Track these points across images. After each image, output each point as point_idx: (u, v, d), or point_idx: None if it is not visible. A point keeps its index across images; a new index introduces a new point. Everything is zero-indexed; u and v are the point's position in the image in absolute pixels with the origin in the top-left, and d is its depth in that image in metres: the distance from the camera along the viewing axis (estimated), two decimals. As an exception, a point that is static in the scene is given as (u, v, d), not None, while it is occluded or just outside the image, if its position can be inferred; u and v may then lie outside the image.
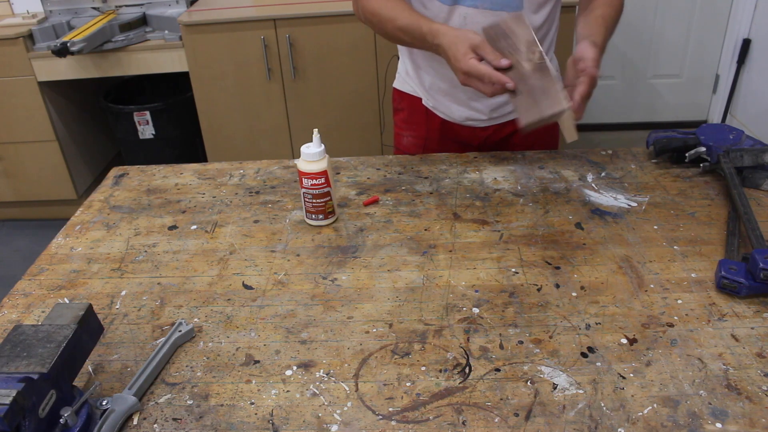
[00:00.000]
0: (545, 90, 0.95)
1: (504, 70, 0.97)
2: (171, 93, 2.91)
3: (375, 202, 1.16)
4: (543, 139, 1.38)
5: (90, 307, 0.77)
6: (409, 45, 1.20)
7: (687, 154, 1.18)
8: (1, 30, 2.56)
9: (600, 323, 0.85)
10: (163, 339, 0.84)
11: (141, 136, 2.79)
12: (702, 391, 0.74)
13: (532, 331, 0.84)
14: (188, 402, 0.77)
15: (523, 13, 1.10)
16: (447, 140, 1.37)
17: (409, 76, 1.36)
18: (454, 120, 1.33)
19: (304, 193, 1.07)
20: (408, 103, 1.38)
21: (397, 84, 1.41)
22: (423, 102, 1.35)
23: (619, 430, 0.70)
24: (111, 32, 2.58)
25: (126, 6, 2.78)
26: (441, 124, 1.35)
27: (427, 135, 1.38)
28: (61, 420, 0.68)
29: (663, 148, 1.21)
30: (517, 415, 0.72)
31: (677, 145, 1.20)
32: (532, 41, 0.97)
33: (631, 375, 0.77)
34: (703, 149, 1.16)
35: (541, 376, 0.77)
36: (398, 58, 1.40)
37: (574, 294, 0.90)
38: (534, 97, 0.96)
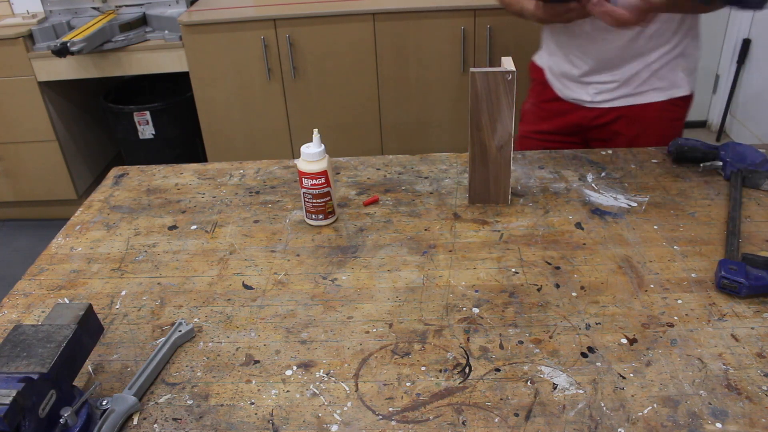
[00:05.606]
0: (497, 178, 1.11)
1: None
2: (171, 93, 2.91)
3: (375, 202, 1.16)
4: (653, 130, 1.37)
5: (90, 307, 0.77)
6: None
7: (701, 165, 1.19)
8: (1, 30, 2.56)
9: (600, 323, 0.85)
10: (163, 339, 0.84)
11: (141, 136, 2.79)
12: (702, 391, 0.74)
13: (532, 331, 0.84)
14: (188, 402, 0.77)
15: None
16: (554, 116, 1.46)
17: (541, 48, 1.48)
18: (564, 97, 1.42)
19: (304, 193, 1.07)
20: (536, 74, 1.50)
21: (535, 56, 1.54)
22: (545, 75, 1.46)
23: (619, 430, 0.70)
24: (111, 32, 2.58)
25: (126, 6, 2.78)
26: (554, 97, 1.45)
27: (541, 104, 1.49)
28: (61, 420, 0.68)
29: (682, 155, 1.22)
30: (517, 415, 0.72)
31: (696, 155, 1.21)
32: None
33: (631, 375, 0.77)
34: (720, 164, 1.17)
35: (541, 376, 0.77)
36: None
37: (574, 294, 0.91)
38: (488, 181, 1.11)
